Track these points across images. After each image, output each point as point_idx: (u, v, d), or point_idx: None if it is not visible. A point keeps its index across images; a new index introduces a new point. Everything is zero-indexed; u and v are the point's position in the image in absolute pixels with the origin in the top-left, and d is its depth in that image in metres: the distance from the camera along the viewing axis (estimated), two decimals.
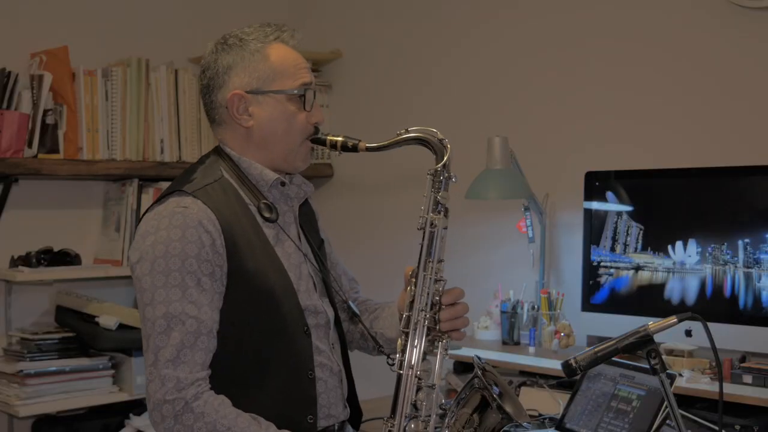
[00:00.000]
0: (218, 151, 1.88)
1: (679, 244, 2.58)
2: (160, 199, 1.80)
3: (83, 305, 3.20)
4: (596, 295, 2.75)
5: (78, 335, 3.15)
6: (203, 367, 1.70)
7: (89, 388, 3.13)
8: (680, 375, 2.36)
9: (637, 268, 2.67)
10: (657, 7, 2.85)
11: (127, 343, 3.12)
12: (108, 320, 3.10)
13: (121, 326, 3.13)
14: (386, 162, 3.51)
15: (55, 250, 3.20)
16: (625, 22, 2.93)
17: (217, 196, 1.78)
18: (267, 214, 1.82)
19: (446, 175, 1.80)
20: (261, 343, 1.77)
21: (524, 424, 1.73)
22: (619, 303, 2.70)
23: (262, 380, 1.77)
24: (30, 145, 3.09)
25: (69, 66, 3.16)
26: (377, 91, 3.68)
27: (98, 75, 3.22)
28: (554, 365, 2.54)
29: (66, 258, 3.20)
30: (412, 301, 1.77)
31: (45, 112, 3.12)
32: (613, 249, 2.72)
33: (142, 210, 3.28)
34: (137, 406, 3.23)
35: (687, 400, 2.30)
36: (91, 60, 3.25)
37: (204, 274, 1.71)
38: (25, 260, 3.12)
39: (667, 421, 2.12)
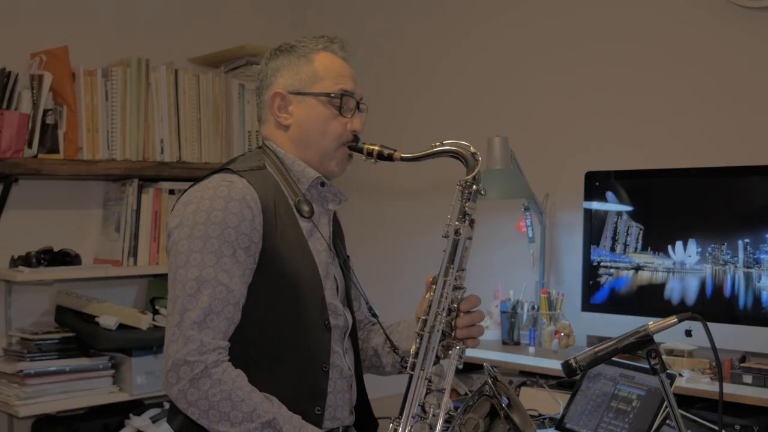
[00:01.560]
0: (262, 147, 1.94)
1: (679, 244, 2.58)
2: (204, 178, 1.84)
3: (83, 305, 3.19)
4: (596, 295, 2.75)
5: (78, 335, 3.15)
6: (225, 337, 1.72)
7: (89, 388, 3.13)
8: (680, 375, 2.36)
9: (637, 268, 2.67)
10: (657, 8, 2.85)
11: (127, 343, 3.12)
12: (108, 320, 3.10)
13: (121, 326, 3.13)
14: (384, 163, 3.50)
15: (55, 250, 3.19)
16: (625, 23, 2.93)
17: (260, 180, 1.83)
18: (305, 208, 1.86)
19: (475, 188, 1.84)
20: (281, 328, 1.79)
21: None
22: (619, 303, 2.70)
23: (277, 364, 1.78)
24: (30, 145, 3.09)
25: (69, 66, 3.16)
26: (377, 91, 3.68)
27: (98, 75, 3.22)
28: (554, 365, 2.55)
29: (66, 258, 3.20)
30: (431, 305, 1.80)
31: (45, 112, 3.11)
32: (613, 249, 2.72)
33: (142, 210, 3.30)
34: (137, 406, 3.23)
35: (687, 400, 2.31)
36: (91, 60, 3.25)
37: (240, 246, 1.73)
38: (25, 260, 3.12)
39: (667, 421, 2.12)
